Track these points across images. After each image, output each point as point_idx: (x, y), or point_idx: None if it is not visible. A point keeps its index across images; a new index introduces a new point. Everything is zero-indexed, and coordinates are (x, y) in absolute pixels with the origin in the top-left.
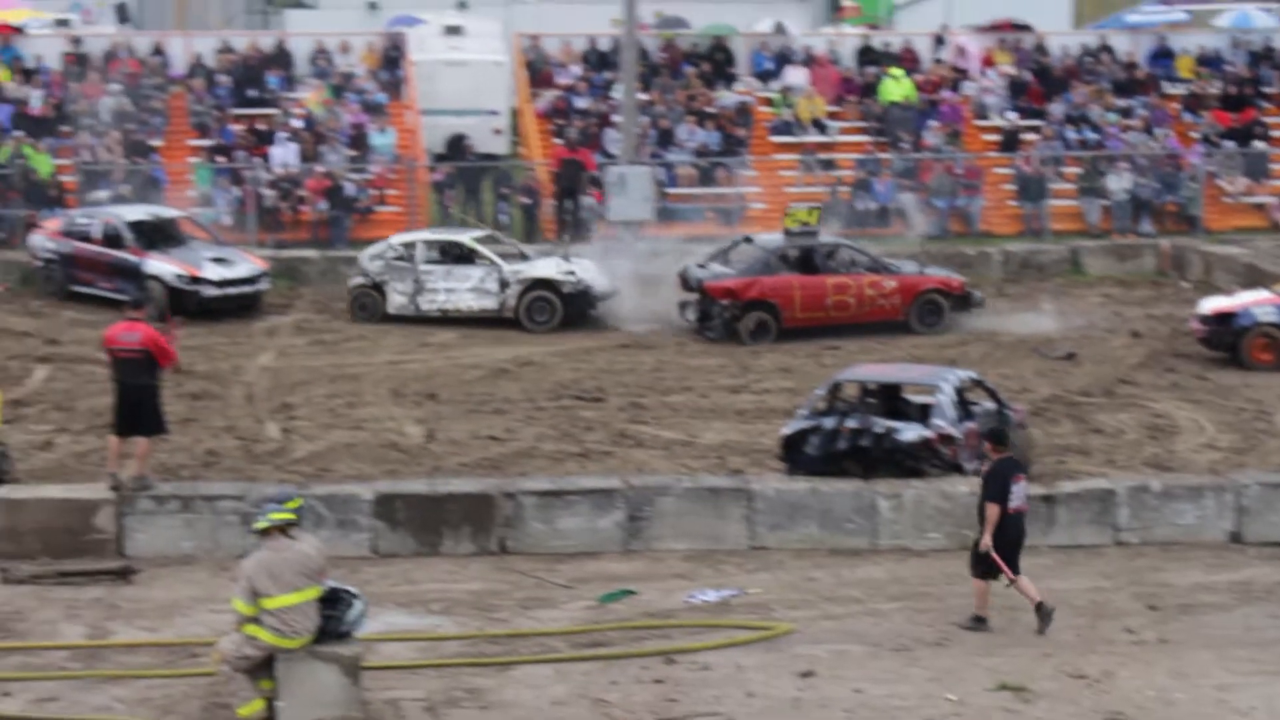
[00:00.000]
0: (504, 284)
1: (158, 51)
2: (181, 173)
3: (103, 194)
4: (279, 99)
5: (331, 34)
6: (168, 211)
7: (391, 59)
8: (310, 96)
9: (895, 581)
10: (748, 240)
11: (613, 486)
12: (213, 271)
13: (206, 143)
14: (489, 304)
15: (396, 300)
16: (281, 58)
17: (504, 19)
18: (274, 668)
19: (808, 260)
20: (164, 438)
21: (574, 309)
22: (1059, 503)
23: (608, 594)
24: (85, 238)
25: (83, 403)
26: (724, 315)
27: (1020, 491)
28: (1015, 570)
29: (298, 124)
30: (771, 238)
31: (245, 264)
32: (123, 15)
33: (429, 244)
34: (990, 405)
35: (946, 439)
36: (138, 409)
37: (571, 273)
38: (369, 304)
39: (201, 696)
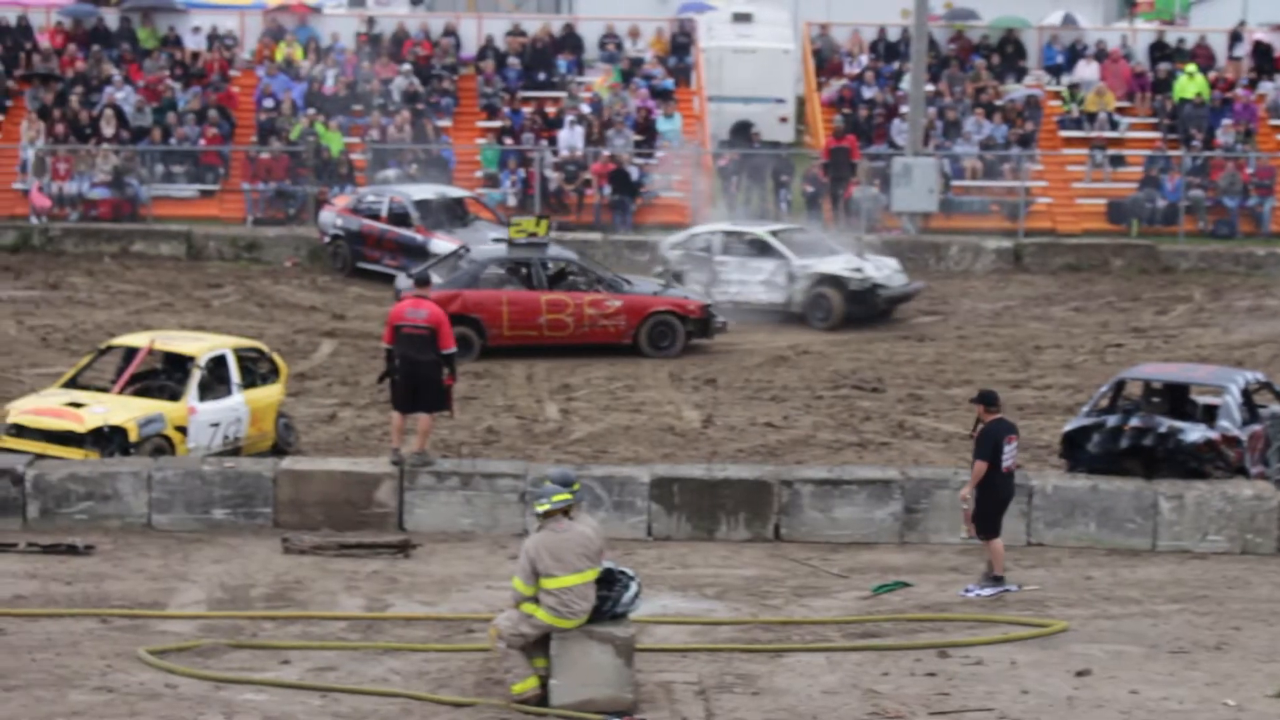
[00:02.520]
0: (792, 278)
1: (449, 33)
2: (469, 153)
3: (391, 173)
4: (567, 82)
5: (621, 19)
6: (454, 191)
7: (680, 45)
8: (598, 81)
9: (1174, 583)
10: (465, 250)
11: (890, 478)
12: None
13: (494, 124)
14: (777, 298)
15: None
16: (571, 41)
17: (793, 7)
18: (549, 646)
19: (526, 275)
20: (446, 415)
21: (858, 307)
22: None
23: (882, 585)
24: (373, 215)
25: (366, 378)
26: None
27: (1011, 452)
28: (998, 529)
29: (585, 108)
30: (489, 249)
31: None
32: None
33: (728, 235)
34: (1278, 408)
35: (1231, 441)
36: (420, 385)
37: (859, 270)
38: None
39: (476, 672)
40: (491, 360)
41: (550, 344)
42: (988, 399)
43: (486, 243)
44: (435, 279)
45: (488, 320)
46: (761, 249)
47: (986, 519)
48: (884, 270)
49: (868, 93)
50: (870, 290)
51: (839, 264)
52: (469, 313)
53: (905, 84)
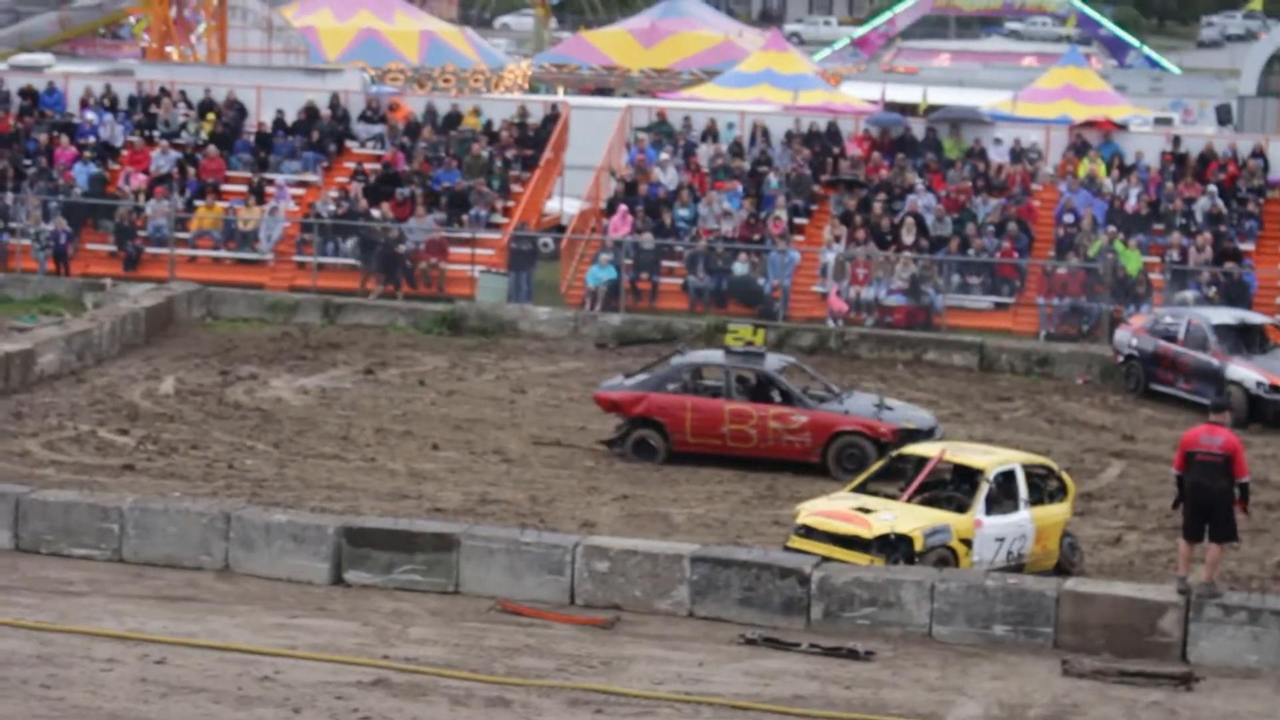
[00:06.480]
0: None
1: (1258, 154)
2: (1272, 279)
3: (1189, 294)
4: None
5: None
6: (1255, 317)
7: None
8: None
9: None
10: (680, 353)
11: None
12: None
13: None
14: None
15: None
16: None
17: None
18: None
19: (719, 384)
20: (1235, 546)
21: None
22: None
23: None
24: (1169, 337)
25: (1154, 502)
26: (620, 432)
27: None
28: None
29: None
30: (700, 354)
31: None
32: (1223, 116)
33: None
34: None
35: None
36: (1211, 514)
37: None
38: None
39: None
40: (1272, 491)
41: (736, 455)
42: None
43: None
44: (625, 380)
45: (671, 426)
46: None
47: None
48: None
49: None
50: None
51: None
52: (653, 416)
53: None
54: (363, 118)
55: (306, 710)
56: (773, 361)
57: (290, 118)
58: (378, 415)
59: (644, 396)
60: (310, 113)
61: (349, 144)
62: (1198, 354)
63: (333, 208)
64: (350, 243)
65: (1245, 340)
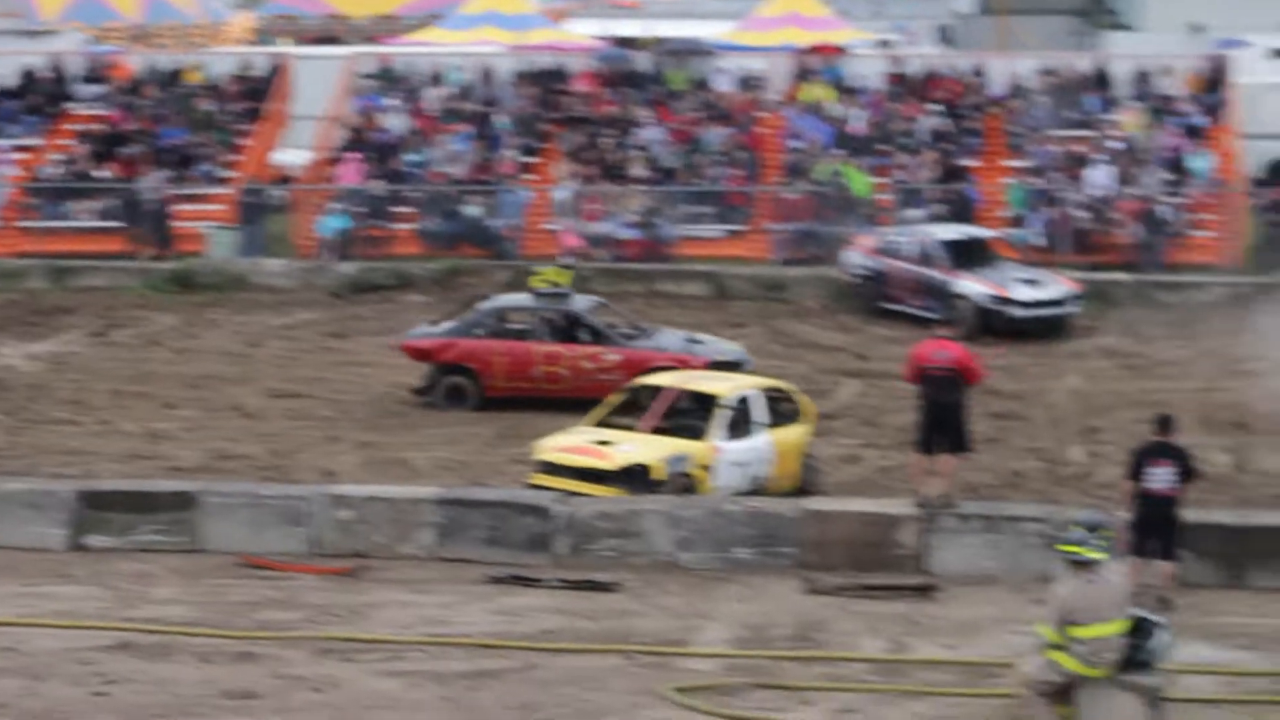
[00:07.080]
0: None
1: (978, 73)
2: (995, 193)
3: (917, 213)
4: (1097, 121)
5: (1152, 57)
6: (980, 232)
7: (1212, 82)
8: (1128, 119)
9: None
10: (485, 299)
11: None
12: (1022, 292)
13: (1022, 164)
14: None
15: None
16: (1101, 80)
17: None
18: (1073, 694)
19: (526, 326)
20: (969, 456)
21: None
22: None
23: None
24: (898, 256)
25: (889, 418)
26: (430, 379)
27: (1157, 475)
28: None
29: (1115, 146)
30: (503, 299)
31: (1055, 286)
32: (944, 36)
33: None
34: None
35: None
36: (945, 426)
37: None
38: None
39: (998, 718)
40: (1013, 401)
41: (548, 396)
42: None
43: (1011, 282)
44: (431, 328)
45: (481, 371)
46: None
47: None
48: None
49: None
50: None
51: None
52: (463, 362)
53: None
54: (84, 79)
55: (50, 679)
56: (581, 302)
57: (8, 82)
58: (111, 377)
59: (453, 343)
60: (28, 76)
61: (70, 106)
62: (926, 270)
63: (57, 170)
64: (106, 205)
65: (971, 255)
